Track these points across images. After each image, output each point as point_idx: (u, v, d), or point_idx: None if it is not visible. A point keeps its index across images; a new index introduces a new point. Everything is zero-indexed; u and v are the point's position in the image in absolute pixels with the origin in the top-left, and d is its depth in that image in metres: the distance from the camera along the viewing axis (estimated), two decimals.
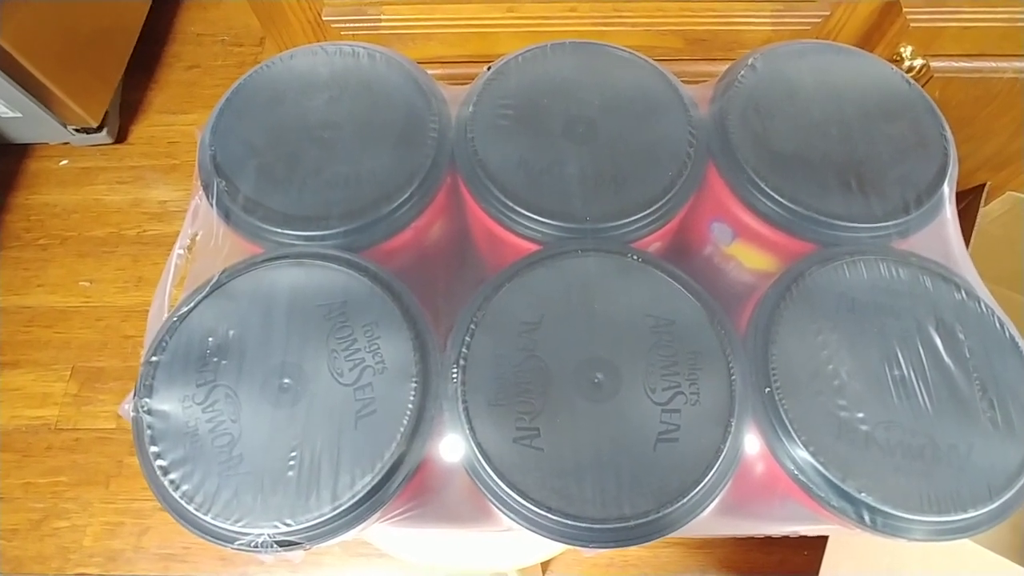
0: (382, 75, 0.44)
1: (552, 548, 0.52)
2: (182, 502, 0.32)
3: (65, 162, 1.27)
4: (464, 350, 0.35)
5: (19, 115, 1.14)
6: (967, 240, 0.75)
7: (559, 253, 0.38)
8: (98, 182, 1.25)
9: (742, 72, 0.44)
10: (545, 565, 0.98)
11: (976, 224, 0.79)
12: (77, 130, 1.21)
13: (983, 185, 0.82)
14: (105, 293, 1.16)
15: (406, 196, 0.40)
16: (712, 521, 0.35)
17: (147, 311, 0.38)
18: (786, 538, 0.98)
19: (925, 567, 0.64)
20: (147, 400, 0.34)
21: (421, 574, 0.98)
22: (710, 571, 0.97)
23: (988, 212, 0.83)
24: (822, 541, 0.78)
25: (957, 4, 0.59)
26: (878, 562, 0.71)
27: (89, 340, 1.13)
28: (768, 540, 0.97)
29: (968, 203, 0.83)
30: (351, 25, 0.61)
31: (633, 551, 0.99)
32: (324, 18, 0.60)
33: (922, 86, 0.64)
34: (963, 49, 0.62)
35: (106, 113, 1.21)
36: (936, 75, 0.63)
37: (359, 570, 0.98)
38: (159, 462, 0.33)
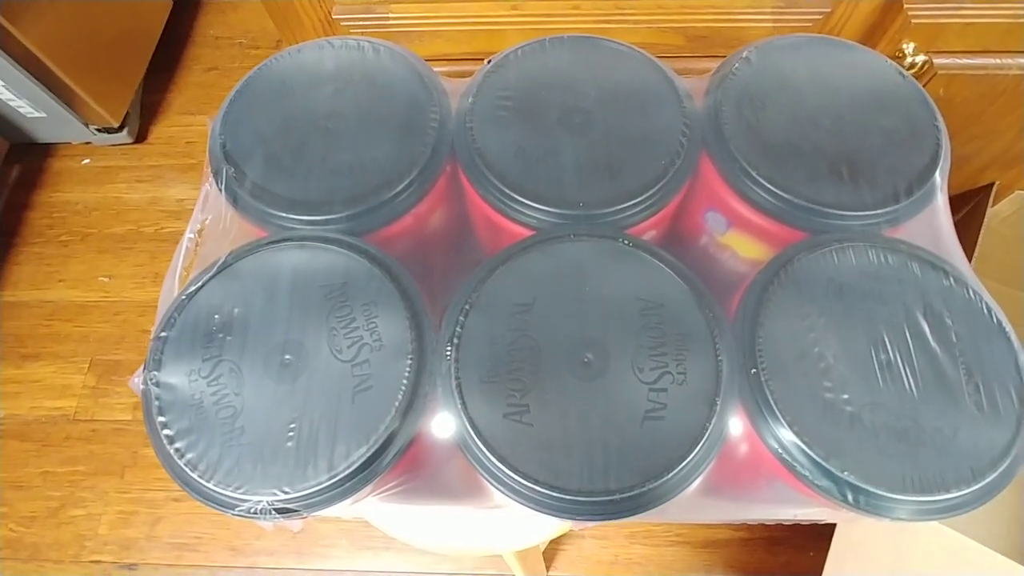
0: (385, 68, 0.45)
1: (545, 530, 0.53)
2: (186, 469, 0.34)
3: (87, 161, 1.31)
4: (458, 329, 0.37)
5: (43, 115, 1.18)
6: (975, 241, 0.75)
7: (552, 238, 0.39)
8: (118, 180, 1.28)
9: (736, 64, 0.45)
10: (549, 564, 0.98)
11: (984, 224, 0.78)
12: (99, 130, 1.25)
13: (991, 185, 0.82)
14: (123, 288, 1.19)
15: (407, 183, 0.41)
16: (698, 501, 0.36)
17: None
18: (791, 539, 0.97)
19: (928, 566, 0.64)
20: (156, 373, 0.36)
21: (424, 563, 0.99)
22: (715, 571, 0.97)
23: (997, 212, 0.83)
24: (827, 541, 0.78)
25: (959, 1, 0.59)
26: (881, 561, 0.71)
27: (107, 334, 1.16)
28: (773, 541, 0.97)
29: (976, 203, 0.83)
30: (360, 23, 0.63)
31: (637, 549, 0.99)
32: (334, 16, 0.62)
33: (926, 83, 0.64)
34: (966, 46, 0.63)
35: (127, 114, 1.25)
36: (940, 72, 0.64)
37: (366, 562, 0.99)
38: (166, 432, 0.35)
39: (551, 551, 0.99)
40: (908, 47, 0.62)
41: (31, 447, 1.08)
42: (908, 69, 0.62)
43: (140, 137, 1.31)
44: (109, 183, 1.28)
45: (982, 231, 0.78)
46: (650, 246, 0.39)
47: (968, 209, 0.83)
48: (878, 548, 0.72)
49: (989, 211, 0.80)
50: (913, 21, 0.60)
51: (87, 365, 1.14)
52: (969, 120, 0.71)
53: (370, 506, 0.39)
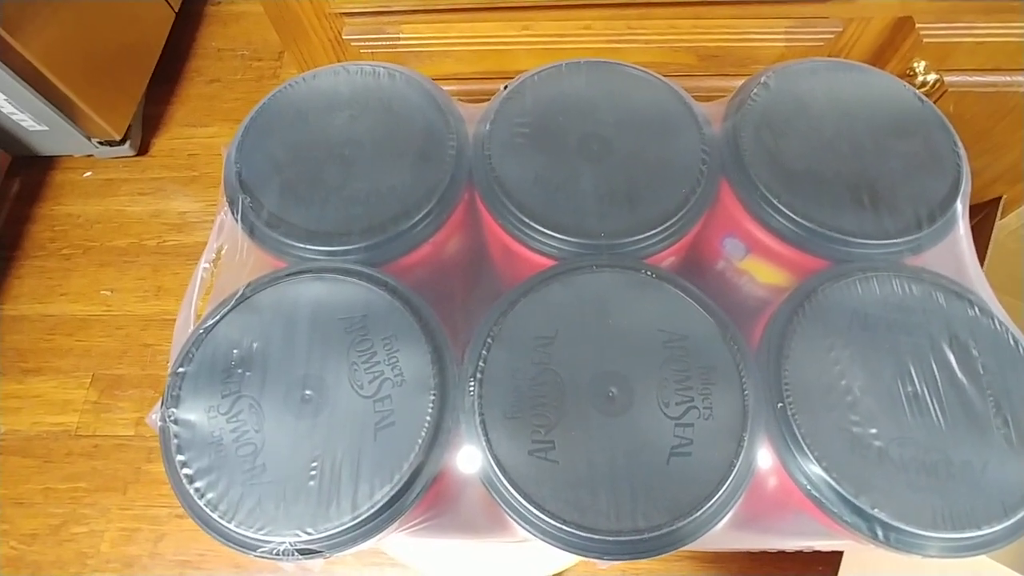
0: (402, 94, 0.45)
1: (566, 559, 0.53)
2: (207, 510, 0.33)
3: (89, 174, 1.30)
4: (481, 363, 0.36)
5: (45, 128, 1.18)
6: (983, 253, 0.75)
7: (574, 268, 0.39)
8: (120, 193, 1.28)
9: (755, 90, 0.45)
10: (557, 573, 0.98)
11: (992, 237, 0.79)
12: (101, 143, 1.24)
13: (999, 198, 0.82)
14: (125, 302, 1.19)
15: (425, 212, 0.41)
16: (725, 535, 0.35)
17: (166, 320, 0.39)
18: (800, 553, 0.97)
19: None
20: (174, 410, 0.35)
21: None
22: None
23: (1004, 225, 0.83)
24: (836, 556, 0.78)
25: (970, 20, 0.59)
26: None
27: (109, 348, 1.15)
28: (782, 555, 0.97)
29: (984, 216, 0.83)
30: (370, 43, 0.62)
31: (644, 564, 0.98)
32: (344, 37, 0.62)
33: (935, 100, 0.64)
34: (977, 64, 0.63)
35: (129, 126, 1.24)
36: (950, 90, 0.64)
37: None
38: (185, 471, 0.34)
39: None
40: (919, 65, 0.62)
41: (32, 463, 1.07)
42: (919, 87, 0.62)
43: (142, 150, 1.30)
44: (111, 196, 1.27)
45: (990, 244, 0.78)
46: (673, 277, 0.38)
47: (976, 222, 0.84)
48: (890, 564, 0.71)
49: (997, 224, 0.80)
50: (924, 40, 0.60)
51: (89, 380, 1.13)
52: (978, 136, 0.71)
53: (388, 539, 0.38)
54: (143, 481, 1.05)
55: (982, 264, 0.73)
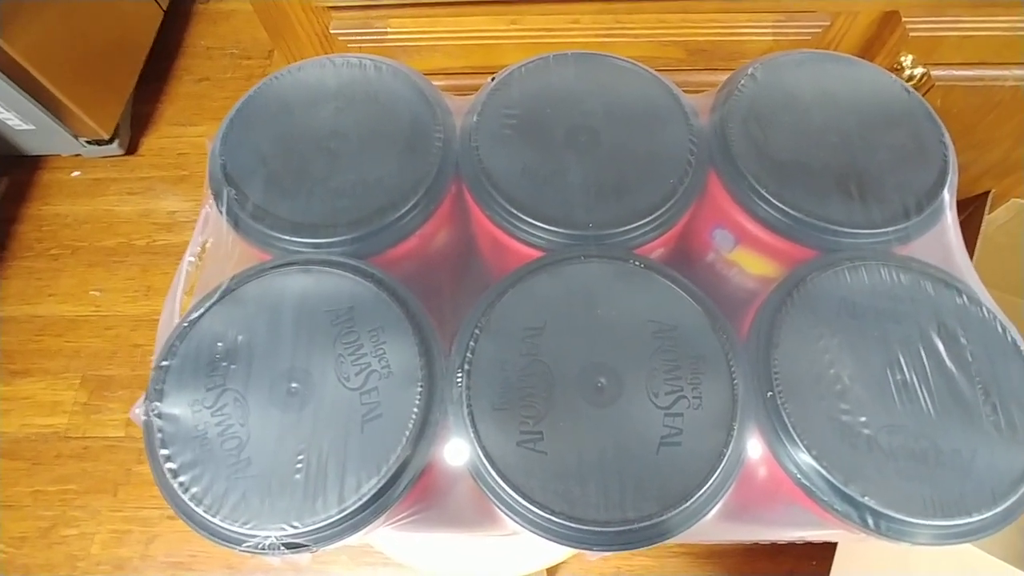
0: (388, 86, 0.45)
1: (556, 553, 0.52)
2: (191, 504, 0.33)
3: (77, 173, 1.29)
4: (469, 355, 0.36)
5: (32, 127, 1.17)
6: (972, 247, 0.75)
7: (562, 259, 0.38)
8: (109, 193, 1.27)
9: (742, 81, 0.45)
10: (551, 572, 0.97)
11: (981, 231, 0.79)
12: (89, 142, 1.23)
13: (987, 193, 0.82)
14: (115, 303, 1.18)
15: (412, 204, 0.40)
16: (716, 526, 0.35)
17: (156, 320, 0.39)
18: (794, 548, 0.97)
19: (934, 575, 0.64)
20: (158, 404, 0.35)
21: None
22: None
23: (992, 219, 0.83)
24: (830, 551, 0.78)
25: (956, 13, 0.60)
26: (886, 571, 0.70)
27: (99, 349, 1.14)
28: (776, 550, 0.97)
29: (972, 211, 0.83)
30: (357, 38, 0.62)
31: (639, 560, 0.98)
32: (331, 31, 0.62)
33: (923, 95, 0.64)
34: (964, 58, 0.63)
35: (117, 125, 1.24)
36: (937, 84, 0.64)
37: None
38: (169, 465, 0.34)
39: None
40: (906, 59, 0.62)
41: (21, 465, 1.06)
42: (906, 81, 0.62)
43: (131, 149, 1.29)
44: (99, 196, 1.26)
45: (979, 238, 0.78)
46: (661, 267, 0.38)
47: (965, 216, 0.84)
48: (882, 558, 0.72)
49: (986, 218, 0.81)
50: (911, 34, 0.60)
51: (78, 381, 1.12)
52: (966, 130, 0.71)
53: (378, 536, 0.38)
54: (133, 482, 1.04)
55: (971, 258, 0.74)
